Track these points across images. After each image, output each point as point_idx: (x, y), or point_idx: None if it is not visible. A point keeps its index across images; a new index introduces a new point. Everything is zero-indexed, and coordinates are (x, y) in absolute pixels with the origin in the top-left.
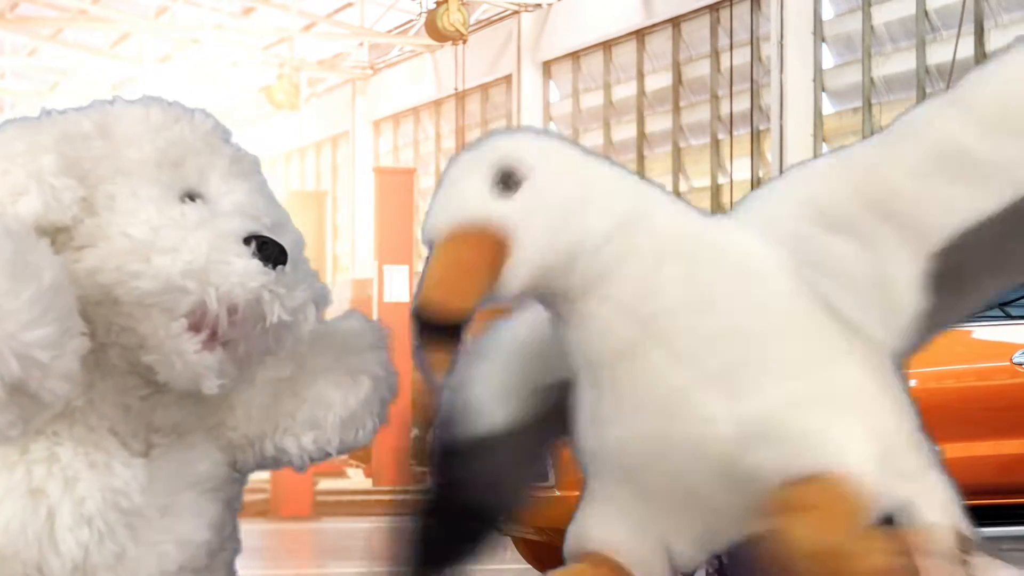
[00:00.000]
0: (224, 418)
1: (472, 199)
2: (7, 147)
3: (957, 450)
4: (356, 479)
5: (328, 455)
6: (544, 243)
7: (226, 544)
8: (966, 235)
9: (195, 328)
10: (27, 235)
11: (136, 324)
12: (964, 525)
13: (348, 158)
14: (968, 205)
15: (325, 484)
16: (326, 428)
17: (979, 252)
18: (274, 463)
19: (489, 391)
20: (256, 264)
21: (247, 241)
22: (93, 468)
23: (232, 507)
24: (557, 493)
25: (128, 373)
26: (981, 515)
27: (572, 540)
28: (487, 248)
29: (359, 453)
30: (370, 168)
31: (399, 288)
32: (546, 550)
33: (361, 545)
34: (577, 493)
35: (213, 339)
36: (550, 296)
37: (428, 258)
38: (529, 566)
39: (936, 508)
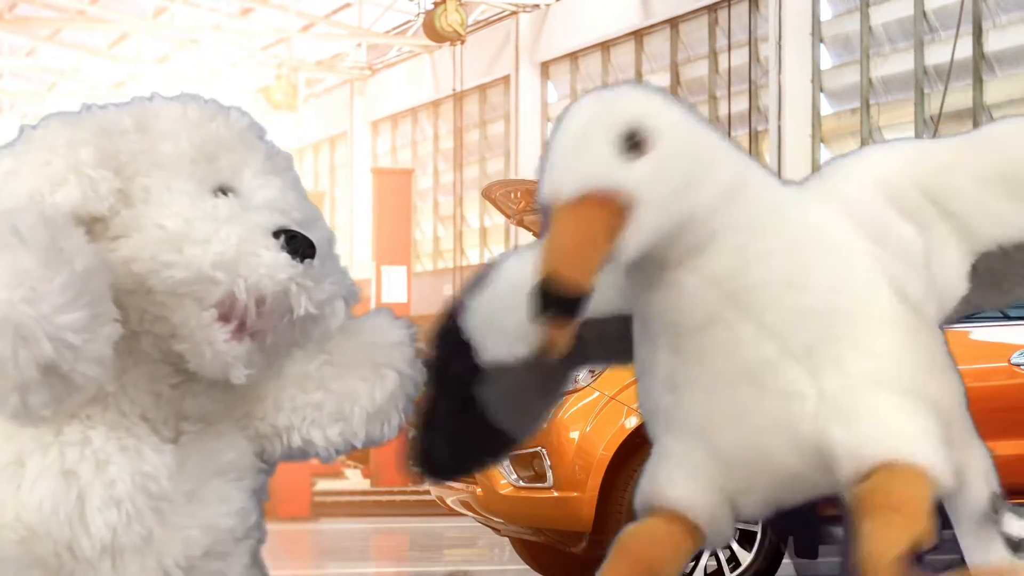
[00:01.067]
0: (252, 408)
1: (601, 163)
2: (49, 139)
3: None
4: (354, 480)
5: (354, 447)
6: (663, 212)
7: (251, 532)
8: (1009, 247)
9: (224, 318)
10: (63, 223)
11: (168, 313)
12: (998, 487)
13: (346, 159)
14: (1018, 222)
15: (323, 485)
16: (352, 421)
17: (1016, 262)
18: (301, 454)
19: (508, 323)
20: (284, 257)
21: (276, 235)
22: (124, 452)
23: (258, 496)
24: (555, 494)
25: (160, 361)
26: None
27: (643, 496)
28: (611, 214)
29: (357, 454)
30: (368, 169)
31: (397, 289)
32: (544, 551)
33: (359, 546)
34: (575, 493)
35: (242, 329)
36: (642, 261)
37: (550, 221)
38: (527, 567)
39: (980, 475)
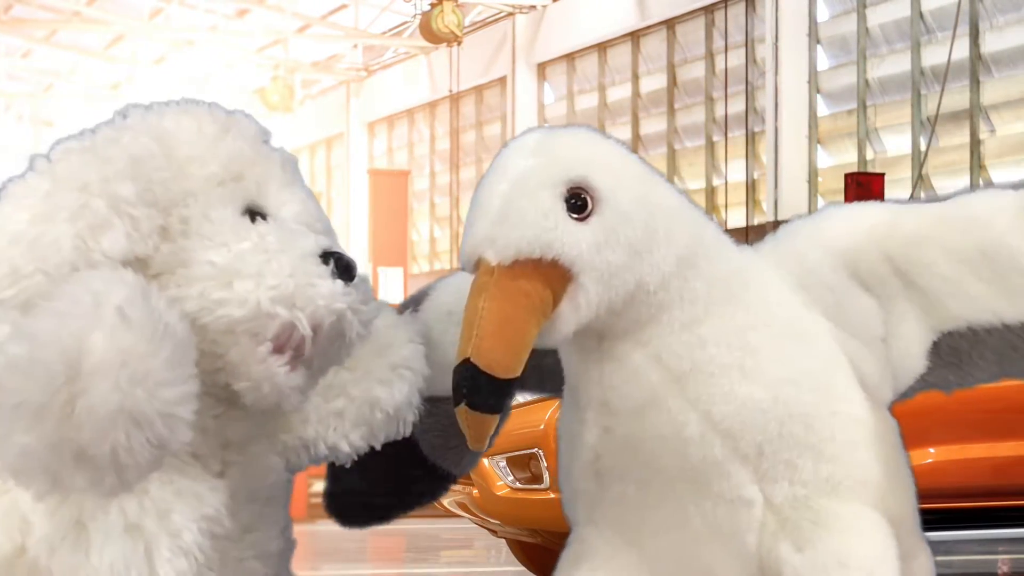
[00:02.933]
0: (279, 424)
1: (541, 224)
2: (78, 177)
3: (952, 452)
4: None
5: (373, 448)
6: (606, 285)
7: (290, 543)
8: (980, 329)
9: (279, 350)
10: (144, 285)
11: (222, 350)
12: None
13: (342, 160)
14: (990, 307)
15: (320, 486)
16: (373, 425)
17: (984, 345)
18: (324, 460)
19: (439, 356)
20: (340, 285)
21: (324, 258)
22: (182, 497)
23: (288, 507)
24: (551, 496)
25: (204, 395)
26: (976, 517)
27: None
28: (547, 284)
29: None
30: (364, 170)
31: (393, 290)
32: (541, 552)
33: (356, 547)
34: None
35: (297, 358)
36: (583, 329)
37: (476, 285)
38: (524, 568)
39: None
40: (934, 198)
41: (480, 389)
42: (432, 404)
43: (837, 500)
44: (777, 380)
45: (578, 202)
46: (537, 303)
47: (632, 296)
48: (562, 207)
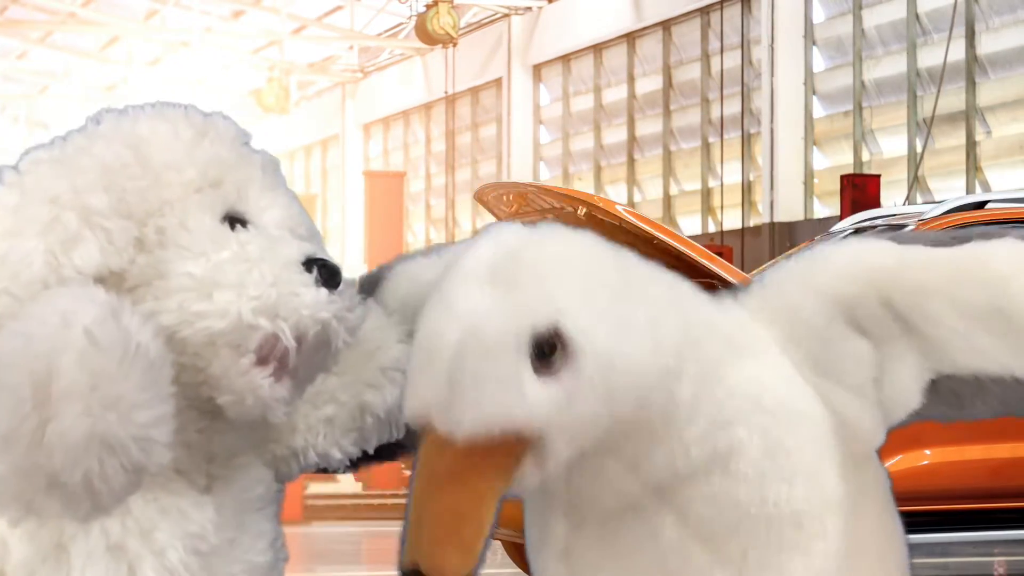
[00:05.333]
0: (267, 434)
1: (507, 390)
2: (48, 189)
3: (949, 454)
4: (346, 483)
5: (365, 452)
6: (578, 436)
7: (279, 555)
8: (986, 379)
9: (263, 362)
10: (115, 303)
11: (203, 363)
12: None
13: (338, 161)
14: (998, 360)
15: (315, 488)
16: (365, 430)
17: (988, 392)
18: (316, 468)
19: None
20: (324, 293)
21: (307, 265)
22: (166, 515)
23: (278, 518)
24: None
25: (186, 408)
26: (973, 519)
27: None
28: (512, 449)
29: None
30: (360, 171)
31: None
32: None
33: (351, 549)
34: None
35: (282, 369)
36: None
37: (430, 461)
38: (520, 570)
39: None
40: (945, 236)
41: None
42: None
43: None
44: (765, 478)
45: (545, 349)
46: (496, 483)
47: (605, 429)
48: (527, 365)
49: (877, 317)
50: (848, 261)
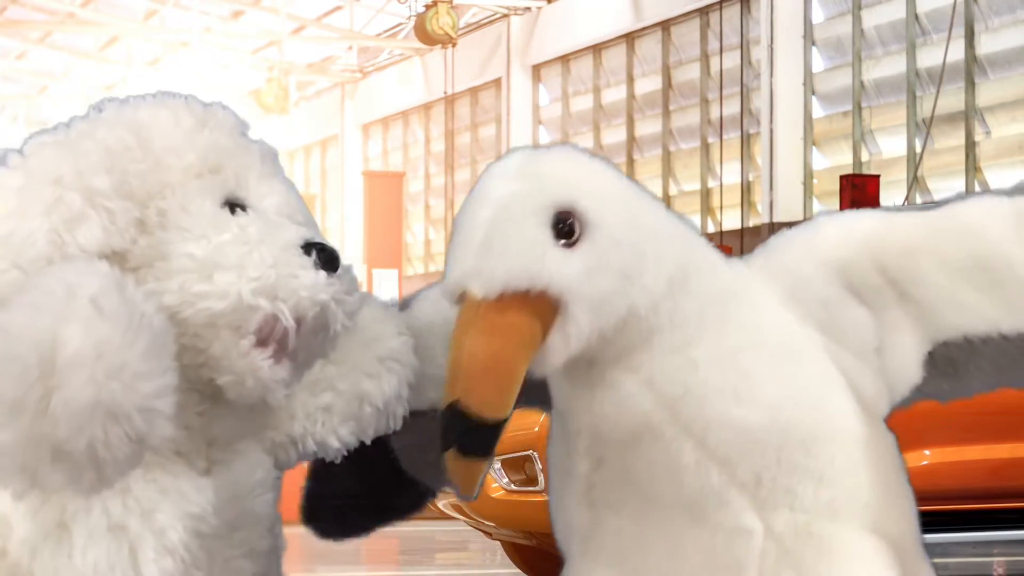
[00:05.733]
0: (266, 420)
1: (528, 254)
2: (52, 170)
3: (948, 454)
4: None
5: (363, 443)
6: (597, 314)
7: (278, 542)
8: (975, 339)
9: (262, 343)
10: (119, 276)
11: (203, 344)
12: None
13: (337, 162)
14: (987, 316)
15: None
16: (362, 419)
17: (980, 356)
18: (314, 456)
19: (421, 369)
20: (323, 275)
21: (306, 249)
22: (166, 496)
23: (277, 506)
24: (546, 498)
25: (188, 391)
26: (972, 519)
27: None
28: (535, 317)
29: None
30: (359, 172)
31: (388, 292)
32: (536, 555)
33: (350, 549)
34: None
35: (281, 351)
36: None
37: (461, 321)
38: (519, 571)
39: None
40: (929, 204)
41: (470, 433)
42: (411, 419)
43: (839, 525)
44: (773, 402)
45: (565, 228)
46: (526, 337)
47: (623, 322)
48: (549, 234)
49: (873, 283)
50: (842, 228)
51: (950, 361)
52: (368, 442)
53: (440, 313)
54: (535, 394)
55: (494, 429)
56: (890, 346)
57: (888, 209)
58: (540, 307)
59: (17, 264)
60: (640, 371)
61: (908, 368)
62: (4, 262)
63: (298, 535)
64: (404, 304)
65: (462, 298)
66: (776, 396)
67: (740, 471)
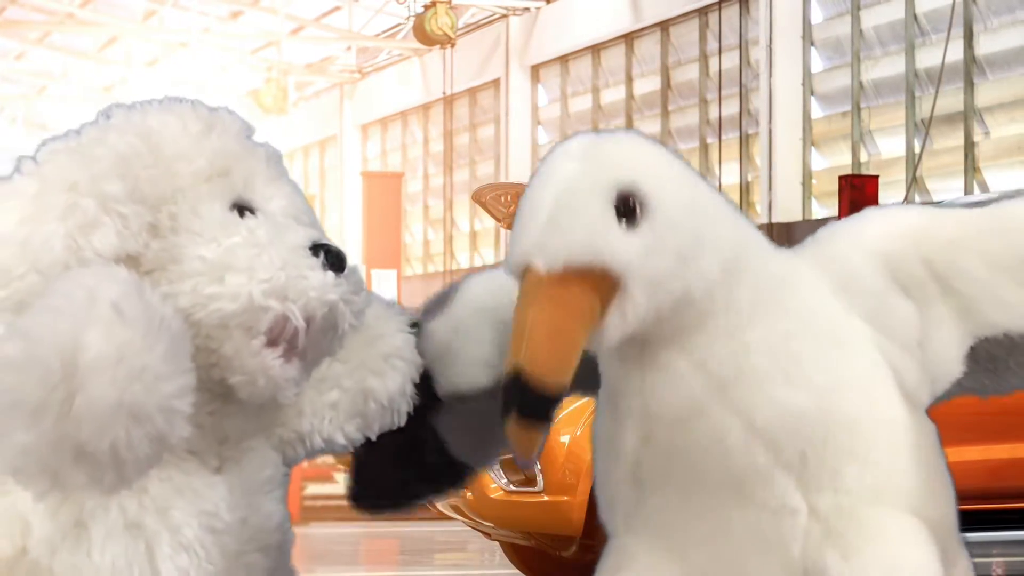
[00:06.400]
0: (275, 418)
1: (591, 232)
2: (66, 177)
3: (948, 455)
4: (344, 484)
5: (368, 439)
6: (655, 293)
7: (287, 537)
8: (1017, 336)
9: (272, 343)
10: (138, 280)
11: (215, 345)
12: None
13: (336, 162)
14: None
15: (313, 489)
16: (368, 416)
17: (1021, 352)
18: (321, 453)
19: (471, 351)
20: (331, 276)
21: (314, 250)
22: (180, 493)
23: (285, 502)
24: (545, 498)
25: (200, 390)
26: (972, 520)
27: None
28: (596, 294)
29: (348, 458)
30: (358, 172)
31: (387, 292)
32: (535, 555)
33: (349, 550)
34: (565, 498)
35: (291, 351)
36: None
37: (524, 295)
38: (517, 571)
39: None
40: (977, 202)
41: (531, 400)
42: (457, 400)
43: (882, 508)
44: (821, 387)
45: (627, 209)
46: (587, 312)
47: (678, 304)
48: (612, 214)
49: (918, 277)
50: (889, 221)
51: (991, 357)
52: (373, 438)
53: (490, 297)
54: (579, 378)
55: (556, 397)
56: (933, 339)
57: (936, 205)
58: (600, 284)
59: (36, 269)
60: (693, 353)
61: (950, 362)
62: (23, 267)
63: (299, 535)
64: (453, 287)
65: (525, 273)
66: (824, 381)
67: (786, 452)
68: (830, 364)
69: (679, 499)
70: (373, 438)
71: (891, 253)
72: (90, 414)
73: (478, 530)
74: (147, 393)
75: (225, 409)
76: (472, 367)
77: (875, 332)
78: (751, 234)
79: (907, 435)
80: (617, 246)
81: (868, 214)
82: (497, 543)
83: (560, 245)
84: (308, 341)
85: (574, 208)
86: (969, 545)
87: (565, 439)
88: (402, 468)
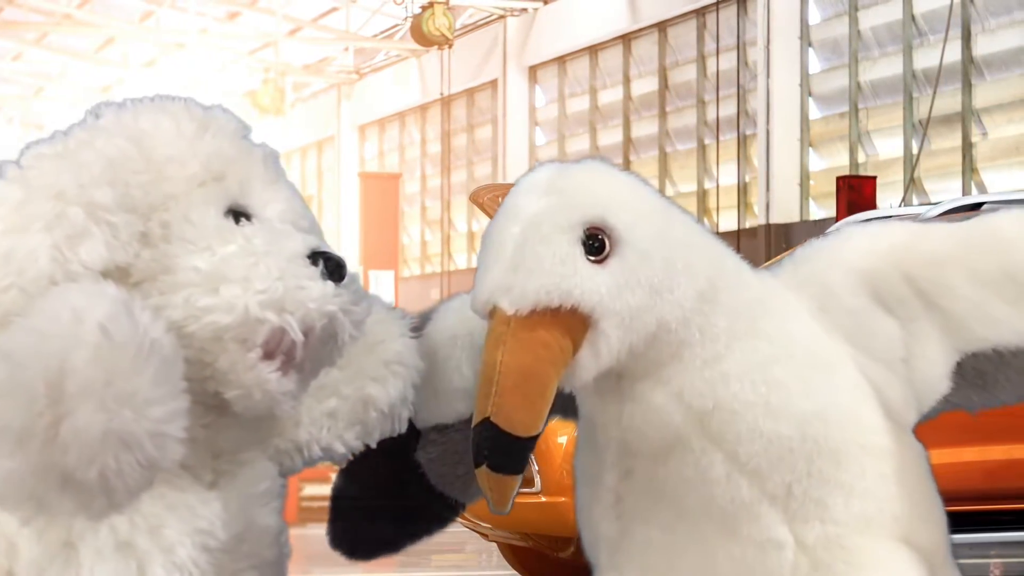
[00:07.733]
0: (271, 429)
1: (559, 270)
2: (52, 184)
3: (944, 456)
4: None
5: (368, 446)
6: (627, 329)
7: (284, 550)
8: (1006, 351)
9: (269, 356)
10: (127, 298)
11: (210, 358)
12: None
13: (333, 163)
14: (1017, 328)
15: (310, 490)
16: (368, 423)
17: (1010, 367)
18: (319, 461)
19: (448, 381)
20: (330, 286)
21: (312, 258)
22: (174, 511)
23: (282, 513)
24: (543, 499)
25: (193, 404)
26: (968, 521)
27: None
28: (566, 333)
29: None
30: (355, 173)
31: (384, 293)
32: (532, 556)
33: None
34: (563, 499)
35: (288, 364)
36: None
37: (491, 337)
38: (515, 572)
39: None
40: (955, 220)
41: (502, 450)
42: (438, 432)
43: (870, 538)
44: (804, 416)
45: (596, 244)
46: (557, 353)
47: (653, 336)
48: (579, 251)
49: (900, 294)
50: (869, 239)
51: (979, 372)
52: (374, 445)
53: (464, 324)
54: (560, 404)
55: (526, 445)
56: (918, 356)
57: (916, 221)
58: (570, 323)
59: (18, 283)
60: (670, 384)
61: (936, 378)
62: (5, 281)
63: (295, 536)
64: (425, 316)
65: (492, 313)
66: (806, 408)
67: (771, 484)
68: (811, 390)
69: (663, 534)
70: (373, 445)
71: (872, 271)
72: (77, 441)
73: (476, 531)
74: (136, 419)
75: (220, 422)
76: (449, 396)
77: (857, 352)
78: (726, 258)
79: (894, 461)
80: (586, 284)
81: (848, 232)
82: (495, 544)
83: (527, 286)
84: (306, 353)
85: (540, 246)
86: (967, 546)
87: (563, 440)
88: (380, 499)
